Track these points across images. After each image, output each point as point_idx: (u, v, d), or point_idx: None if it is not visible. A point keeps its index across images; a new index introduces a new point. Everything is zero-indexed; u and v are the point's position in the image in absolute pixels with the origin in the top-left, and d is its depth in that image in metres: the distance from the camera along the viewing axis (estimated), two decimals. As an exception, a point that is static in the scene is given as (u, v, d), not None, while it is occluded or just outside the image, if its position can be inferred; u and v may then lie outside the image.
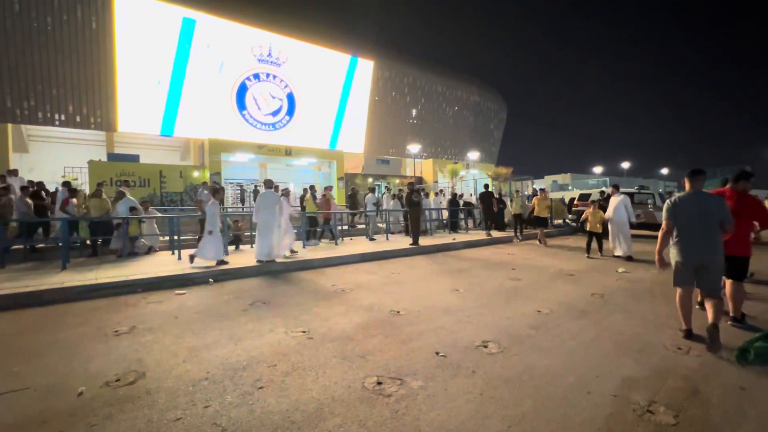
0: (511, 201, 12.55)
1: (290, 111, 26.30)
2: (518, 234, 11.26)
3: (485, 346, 3.23)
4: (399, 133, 32.18)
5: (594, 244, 8.23)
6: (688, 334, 3.39)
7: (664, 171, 47.48)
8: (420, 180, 27.30)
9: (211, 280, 5.88)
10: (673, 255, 3.50)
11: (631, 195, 12.22)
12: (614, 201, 8.09)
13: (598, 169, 42.36)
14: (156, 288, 5.47)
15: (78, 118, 20.69)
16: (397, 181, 26.06)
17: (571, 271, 6.59)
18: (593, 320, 3.94)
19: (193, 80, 22.59)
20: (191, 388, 2.56)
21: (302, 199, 12.19)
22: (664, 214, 3.52)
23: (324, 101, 27.84)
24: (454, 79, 36.40)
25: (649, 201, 11.82)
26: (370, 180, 25.10)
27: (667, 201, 3.52)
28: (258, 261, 6.89)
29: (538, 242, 10.47)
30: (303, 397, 2.43)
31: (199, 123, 22.91)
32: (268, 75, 25.32)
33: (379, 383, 2.59)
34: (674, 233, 3.46)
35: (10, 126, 19.67)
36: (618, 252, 7.92)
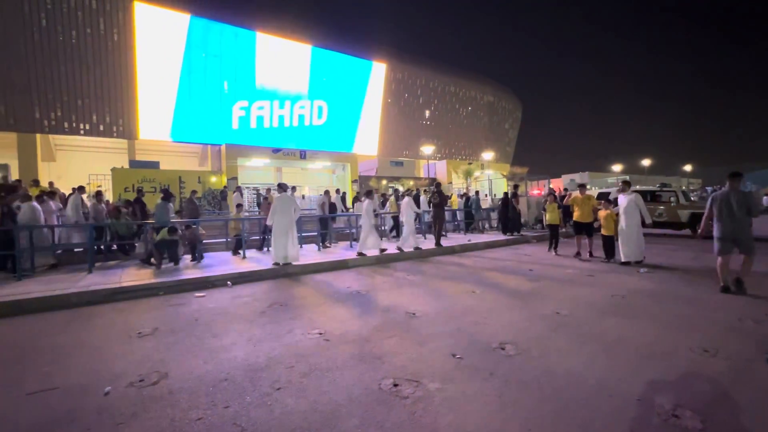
0: (544, 208, 10.55)
1: (301, 119, 26.63)
2: (554, 247, 8.76)
3: (503, 348, 3.19)
4: (412, 135, 32.18)
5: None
6: (724, 289, 4.78)
7: (687, 168, 46.01)
8: (434, 180, 27.21)
9: (229, 282, 6.00)
10: (715, 233, 4.90)
11: (652, 193, 11.89)
12: (624, 200, 7.08)
13: (617, 167, 41.37)
14: (177, 291, 5.61)
15: (101, 127, 21.45)
16: (411, 182, 26.03)
17: (591, 271, 6.46)
18: (614, 322, 3.85)
19: (202, 85, 23.14)
20: (212, 388, 2.61)
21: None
22: (707, 204, 5.05)
23: (340, 106, 28.10)
24: (468, 79, 36.18)
25: (672, 199, 11.43)
26: (383, 182, 25.15)
27: (711, 196, 5.08)
28: (274, 264, 6.98)
29: (577, 256, 8.05)
30: (321, 398, 2.45)
31: (215, 128, 23.45)
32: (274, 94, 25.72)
33: (396, 385, 2.59)
34: (715, 218, 4.92)
35: (38, 136, 20.56)
36: (628, 257, 6.89)
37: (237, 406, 2.37)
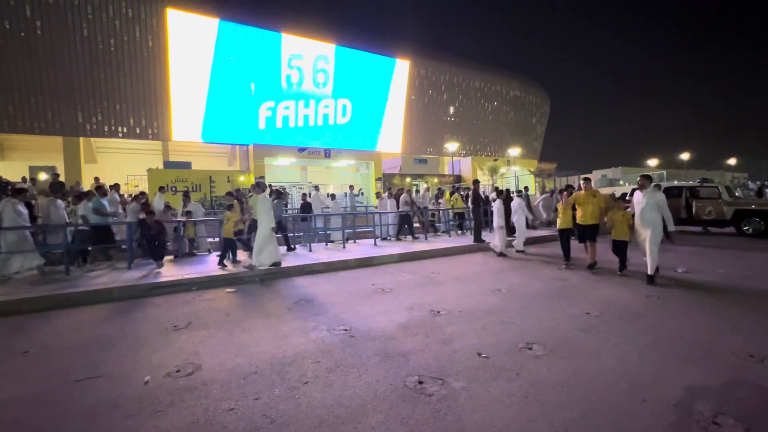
0: (556, 208, 8.45)
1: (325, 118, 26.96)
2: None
3: (530, 349, 3.14)
4: (436, 132, 31.91)
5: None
6: None
7: (732, 161, 43.22)
8: (459, 178, 26.87)
9: (258, 279, 6.18)
10: None
11: (691, 189, 11.25)
12: (642, 198, 5.47)
13: (653, 162, 39.42)
14: (208, 286, 5.84)
15: (138, 130, 22.52)
16: (436, 180, 25.82)
17: (623, 270, 6.21)
18: (649, 324, 3.69)
19: (231, 87, 23.83)
20: (242, 381, 2.72)
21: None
22: None
23: (364, 104, 28.26)
24: (493, 74, 35.46)
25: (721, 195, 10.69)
26: (407, 180, 25.09)
27: None
28: (246, 267, 6.56)
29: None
30: (346, 393, 2.49)
31: (243, 129, 24.12)
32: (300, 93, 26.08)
33: (421, 382, 2.60)
34: None
35: (81, 139, 21.83)
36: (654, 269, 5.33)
37: (266, 399, 2.45)
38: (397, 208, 11.77)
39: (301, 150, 22.15)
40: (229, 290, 5.59)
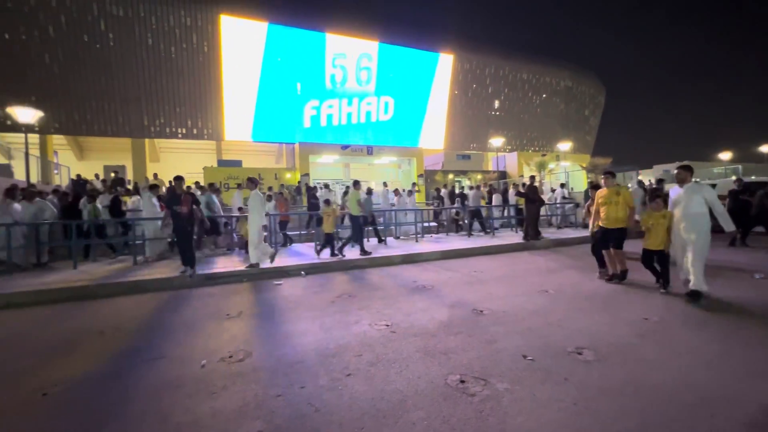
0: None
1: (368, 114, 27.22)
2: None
3: (579, 353, 2.98)
4: (480, 127, 31.08)
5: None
6: None
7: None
8: (504, 174, 26.01)
9: (303, 273, 6.41)
10: None
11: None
12: (683, 194, 4.47)
13: (725, 155, 35.57)
14: (258, 279, 6.15)
15: (195, 131, 24.11)
16: (479, 176, 25.20)
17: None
18: (718, 332, 3.36)
19: (278, 88, 24.77)
20: (289, 369, 2.84)
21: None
22: None
23: (406, 100, 28.22)
24: (542, 65, 33.82)
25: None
26: (450, 176, 24.71)
27: None
28: (249, 266, 6.50)
29: (609, 279, 5.43)
30: (388, 388, 2.52)
31: (290, 128, 25.01)
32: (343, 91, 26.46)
33: (463, 382, 2.57)
34: None
35: (147, 141, 23.79)
36: (697, 285, 4.26)
37: (311, 388, 2.55)
38: (452, 203, 11.90)
39: (344, 147, 22.54)
40: (276, 283, 5.85)
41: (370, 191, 10.17)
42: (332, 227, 7.76)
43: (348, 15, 26.74)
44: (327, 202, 8.32)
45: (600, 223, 5.39)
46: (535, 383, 2.53)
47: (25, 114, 12.44)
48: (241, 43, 23.67)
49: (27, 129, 12.96)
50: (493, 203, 12.53)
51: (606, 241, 5.34)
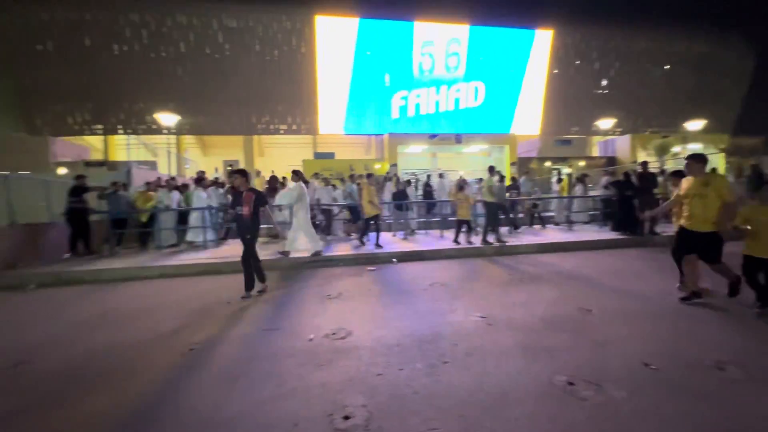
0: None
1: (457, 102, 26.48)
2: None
3: (721, 369, 2.53)
4: (584, 108, 27.92)
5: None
6: None
7: None
8: (612, 161, 23.07)
9: (394, 260, 6.59)
10: None
11: None
12: None
13: None
14: (352, 264, 6.50)
15: (294, 126, 26.28)
16: (582, 163, 22.79)
17: None
18: None
19: (368, 81, 25.48)
20: (387, 351, 2.96)
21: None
22: None
23: (498, 84, 26.80)
24: (666, 30, 28.77)
25: None
26: (546, 164, 22.82)
27: None
28: (280, 253, 6.69)
29: (689, 296, 4.05)
30: (486, 380, 2.47)
31: (379, 119, 25.68)
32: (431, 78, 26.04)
33: (571, 383, 2.38)
34: None
35: (255, 137, 26.73)
36: None
37: (409, 371, 2.62)
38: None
39: (432, 137, 22.35)
40: (369, 268, 6.12)
41: (502, 178, 9.78)
42: (468, 213, 7.86)
43: (438, 1, 26.16)
44: (461, 188, 8.30)
45: (682, 223, 3.96)
46: (661, 396, 2.23)
47: (167, 119, 14.98)
48: (334, 40, 24.90)
49: (168, 131, 15.59)
50: (577, 193, 11.29)
51: (690, 246, 3.88)
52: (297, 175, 7.13)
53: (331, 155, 22.65)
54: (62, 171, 14.36)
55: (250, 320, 3.79)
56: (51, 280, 5.79)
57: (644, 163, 8.60)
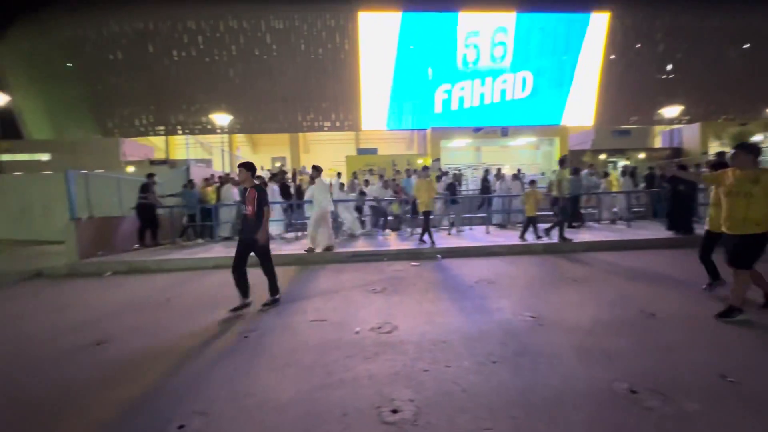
0: None
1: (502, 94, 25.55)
2: None
3: (816, 385, 2.23)
4: (645, 95, 25.77)
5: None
6: None
7: None
8: (678, 152, 21.13)
9: (438, 256, 6.51)
10: None
11: None
12: None
13: None
14: (396, 259, 6.52)
15: (337, 123, 26.75)
16: (642, 155, 21.09)
17: None
18: None
19: (410, 75, 25.25)
20: (432, 346, 2.93)
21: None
22: None
23: (547, 73, 25.50)
24: (743, 3, 25.69)
25: None
26: (602, 157, 21.38)
27: None
28: (306, 250, 6.70)
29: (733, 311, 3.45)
30: (539, 381, 2.36)
31: (421, 114, 25.44)
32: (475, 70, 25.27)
33: (633, 391, 2.21)
34: None
35: (300, 135, 27.57)
36: None
37: (456, 368, 2.57)
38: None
39: (476, 130, 21.75)
40: (413, 264, 6.10)
41: (577, 171, 9.38)
42: (534, 210, 7.46)
43: (482, -12, 25.28)
44: (532, 182, 8.10)
45: (722, 227, 3.34)
46: (743, 412, 2.01)
47: (220, 119, 15.88)
48: (377, 36, 24.94)
49: (221, 131, 16.52)
50: (625, 188, 10.43)
51: (728, 253, 3.32)
52: (317, 170, 7.00)
53: (373, 151, 22.80)
54: (130, 169, 15.71)
55: (297, 311, 3.92)
56: (123, 268, 6.38)
57: (719, 154, 7.72)
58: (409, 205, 9.07)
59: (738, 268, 3.24)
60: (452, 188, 9.54)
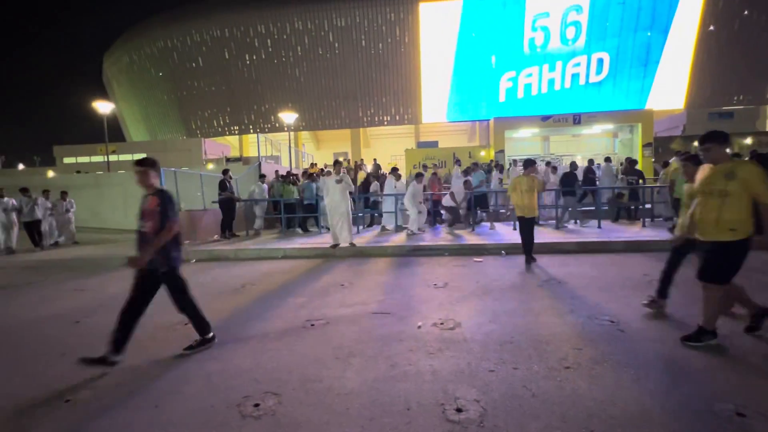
0: None
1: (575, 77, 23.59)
2: None
3: None
4: (752, 71, 22.16)
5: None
6: None
7: None
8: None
9: (503, 252, 6.25)
10: None
11: None
12: None
13: None
14: (458, 254, 6.38)
15: (397, 117, 26.80)
16: (749, 140, 18.21)
17: None
18: None
19: (472, 64, 24.30)
20: (499, 347, 2.81)
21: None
22: None
23: (628, 53, 23.05)
24: None
25: None
26: (694, 144, 18.80)
27: None
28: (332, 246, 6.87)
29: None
30: (621, 394, 2.15)
31: (484, 104, 24.48)
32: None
33: (741, 414, 1.92)
34: None
35: (361, 130, 28.10)
36: None
37: (524, 371, 2.44)
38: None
39: (545, 118, 20.33)
40: (476, 259, 5.92)
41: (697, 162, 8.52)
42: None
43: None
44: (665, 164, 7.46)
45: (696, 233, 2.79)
46: None
47: (287, 117, 16.77)
48: (437, 26, 24.40)
49: (287, 128, 17.45)
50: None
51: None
52: (338, 165, 6.81)
53: (434, 144, 22.44)
54: (210, 166, 17.26)
55: (363, 303, 4.02)
56: (205, 256, 7.06)
57: None
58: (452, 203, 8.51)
59: (707, 282, 2.68)
60: (571, 179, 8.83)
